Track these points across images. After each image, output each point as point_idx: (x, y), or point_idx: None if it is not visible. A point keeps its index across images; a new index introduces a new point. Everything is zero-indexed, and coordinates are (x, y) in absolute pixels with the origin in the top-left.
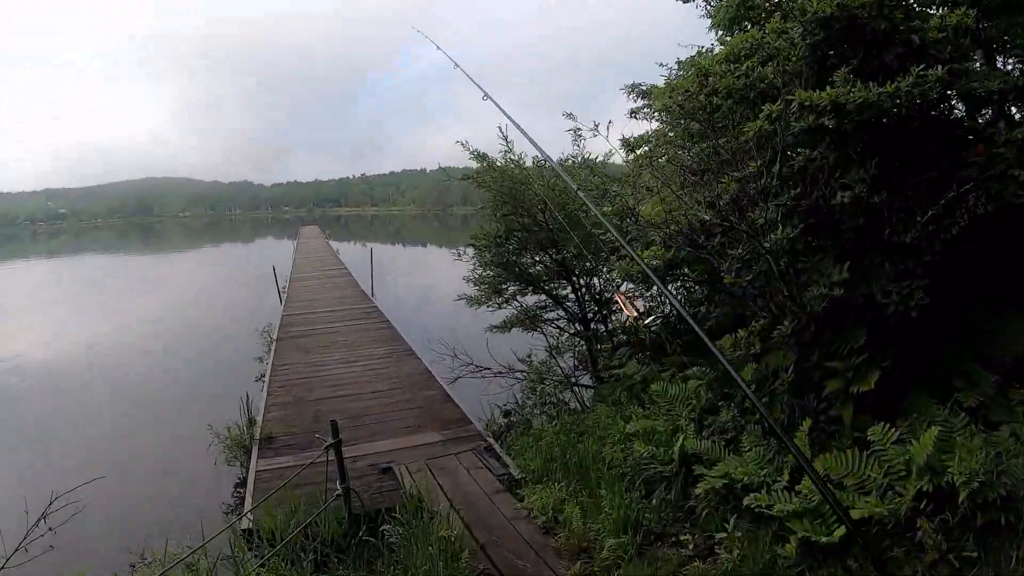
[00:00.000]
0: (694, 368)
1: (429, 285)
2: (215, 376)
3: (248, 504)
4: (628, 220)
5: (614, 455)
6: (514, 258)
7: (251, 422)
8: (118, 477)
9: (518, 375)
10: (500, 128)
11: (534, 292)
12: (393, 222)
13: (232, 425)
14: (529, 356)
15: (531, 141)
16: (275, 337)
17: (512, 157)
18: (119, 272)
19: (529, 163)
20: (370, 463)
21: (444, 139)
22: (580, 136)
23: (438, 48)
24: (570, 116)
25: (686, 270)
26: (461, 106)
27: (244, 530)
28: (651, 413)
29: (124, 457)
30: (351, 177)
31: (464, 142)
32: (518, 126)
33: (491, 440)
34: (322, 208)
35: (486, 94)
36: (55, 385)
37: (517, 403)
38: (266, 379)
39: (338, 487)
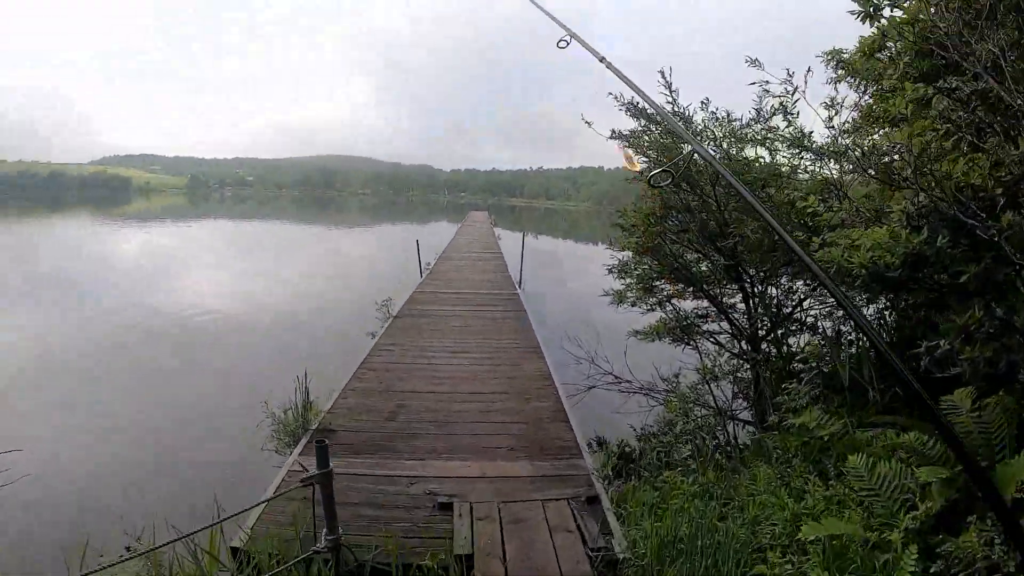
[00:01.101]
0: (913, 434)
1: (585, 282)
2: (321, 349)
3: (253, 513)
4: (832, 196)
5: (772, 571)
6: (672, 246)
7: (306, 407)
8: (160, 446)
9: (657, 396)
10: (662, 73)
11: (694, 296)
12: (567, 216)
13: (291, 407)
14: (676, 376)
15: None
16: (393, 313)
17: (676, 109)
18: (291, 239)
19: (700, 118)
20: (430, 489)
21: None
22: (767, 92)
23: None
24: (755, 63)
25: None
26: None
27: (233, 548)
28: (840, 496)
29: (180, 424)
30: (529, 169)
31: (618, 95)
32: (643, 94)
33: (600, 488)
34: (497, 196)
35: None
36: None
37: (647, 435)
38: (359, 359)
39: (323, 540)
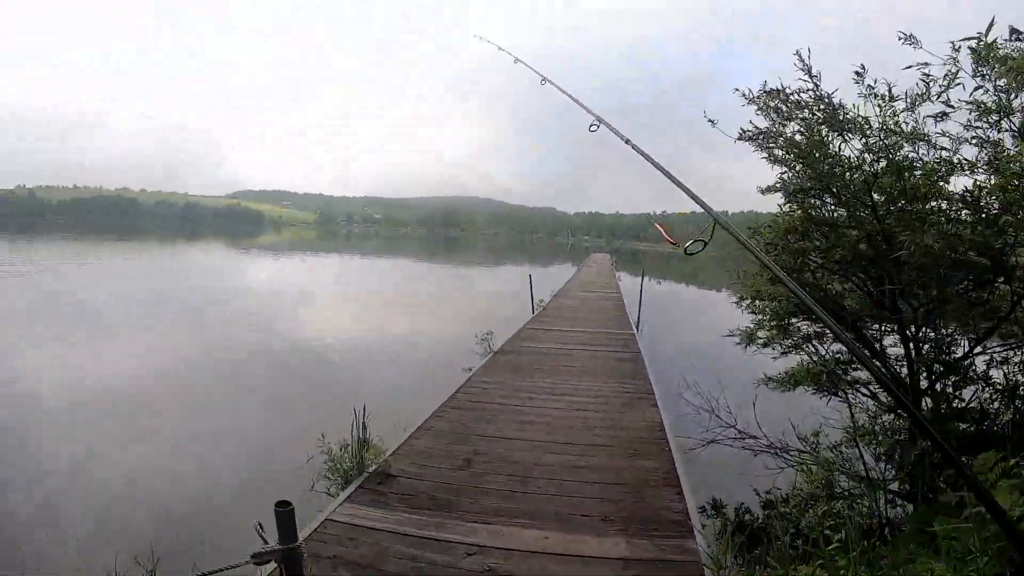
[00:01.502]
0: None
1: (709, 328)
2: (410, 384)
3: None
4: None
5: None
6: (815, 271)
7: (362, 444)
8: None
9: (788, 456)
10: (799, 54)
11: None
12: (691, 261)
13: (351, 444)
14: (816, 434)
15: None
16: (494, 348)
17: (819, 94)
18: (415, 276)
19: (851, 101)
20: (489, 566)
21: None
22: (928, 76)
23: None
24: (910, 39)
25: None
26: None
27: None
28: None
29: (242, 448)
30: (652, 213)
31: (747, 90)
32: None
33: None
34: (620, 239)
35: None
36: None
37: (775, 500)
38: (444, 396)
39: None
